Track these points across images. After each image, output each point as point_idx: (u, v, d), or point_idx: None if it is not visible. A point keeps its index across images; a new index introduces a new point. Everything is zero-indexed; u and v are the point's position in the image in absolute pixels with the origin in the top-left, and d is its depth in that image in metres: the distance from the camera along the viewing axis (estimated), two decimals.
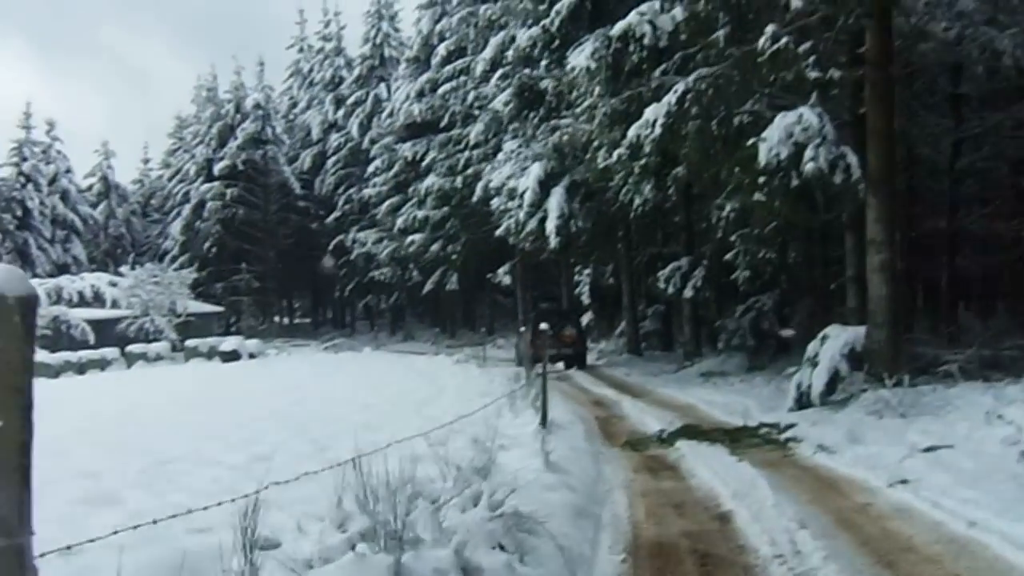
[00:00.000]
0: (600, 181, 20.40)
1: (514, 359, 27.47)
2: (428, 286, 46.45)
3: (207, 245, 57.16)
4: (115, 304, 50.15)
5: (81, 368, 44.02)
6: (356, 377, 25.92)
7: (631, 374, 24.36)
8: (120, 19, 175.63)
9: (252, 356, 45.60)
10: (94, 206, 66.46)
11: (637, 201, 20.62)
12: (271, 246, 59.27)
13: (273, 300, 60.31)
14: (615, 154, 15.56)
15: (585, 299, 33.38)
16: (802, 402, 12.81)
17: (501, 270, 38.78)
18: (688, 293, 22.92)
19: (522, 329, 22.81)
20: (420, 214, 42.24)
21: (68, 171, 63.36)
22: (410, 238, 43.90)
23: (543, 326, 13.71)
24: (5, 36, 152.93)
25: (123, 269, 51.51)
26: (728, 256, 19.92)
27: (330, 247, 54.35)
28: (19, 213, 57.72)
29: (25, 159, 59.45)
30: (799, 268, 19.41)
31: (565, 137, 22.68)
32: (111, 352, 45.76)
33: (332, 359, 40.17)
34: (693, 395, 17.55)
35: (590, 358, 30.25)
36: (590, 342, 33.69)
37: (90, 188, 67.53)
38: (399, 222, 45.13)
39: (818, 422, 11.34)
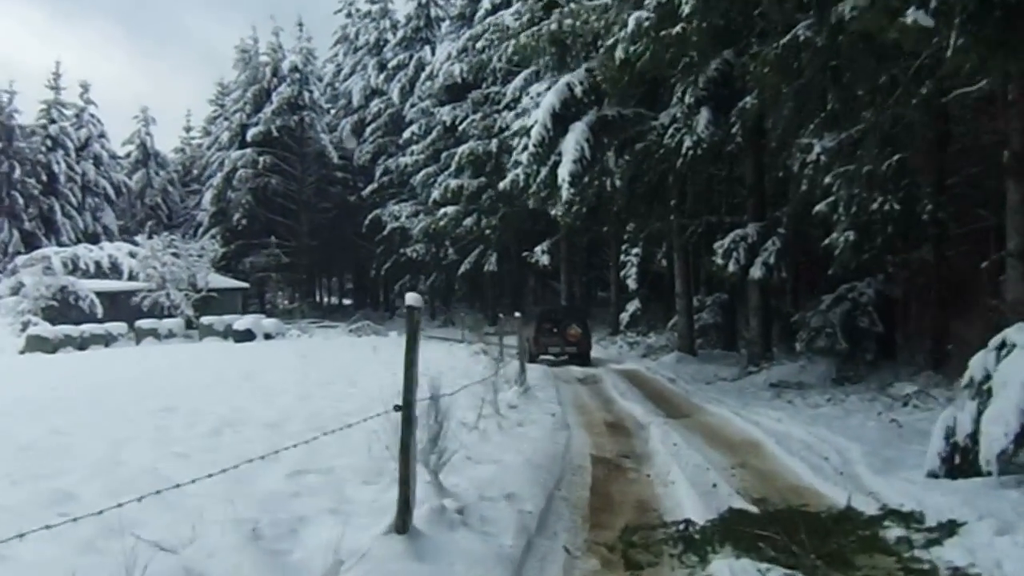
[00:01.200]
0: (619, 82, 14.46)
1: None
2: (464, 266, 40.91)
3: (237, 216, 52.38)
4: (133, 276, 45.69)
5: (83, 343, 39.56)
6: (326, 369, 20.91)
7: (677, 379, 18.58)
8: None
9: (268, 337, 40.71)
10: (131, 174, 62.41)
11: (687, 143, 14.72)
12: (306, 220, 54.29)
13: (302, 278, 55.27)
14: (634, 21, 9.70)
15: (632, 283, 27.56)
16: (956, 464, 6.93)
17: (539, 248, 33.11)
18: (756, 273, 16.82)
19: (517, 314, 20.36)
20: (454, 183, 36.68)
21: (102, 136, 59.23)
22: (443, 211, 38.38)
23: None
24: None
25: (139, 238, 46.93)
26: (816, 217, 13.49)
27: (365, 222, 49.11)
28: (44, 177, 53.60)
29: (53, 121, 55.33)
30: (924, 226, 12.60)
31: (567, 21, 16.52)
32: (118, 327, 41.25)
33: (341, 344, 34.97)
34: (758, 421, 11.75)
35: (632, 357, 24.77)
36: (636, 335, 28.16)
37: (128, 155, 63.48)
38: (434, 194, 39.64)
39: (1013, 525, 5.45)
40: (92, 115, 58.91)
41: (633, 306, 28.02)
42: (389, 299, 58.20)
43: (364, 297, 64.05)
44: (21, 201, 51.70)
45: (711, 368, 20.51)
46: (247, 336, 40.56)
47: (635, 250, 27.04)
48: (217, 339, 41.20)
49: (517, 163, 22.62)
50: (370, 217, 48.79)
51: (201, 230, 55.45)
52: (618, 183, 18.65)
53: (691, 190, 19.93)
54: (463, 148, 35.04)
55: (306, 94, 52.50)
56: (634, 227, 25.46)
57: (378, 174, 50.64)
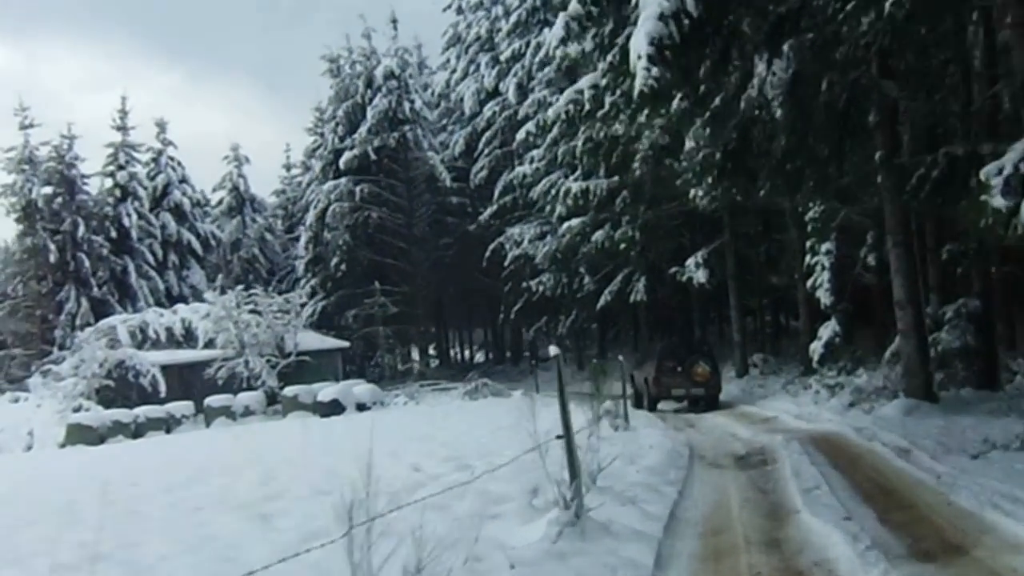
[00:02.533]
0: None
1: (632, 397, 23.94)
2: (605, 297, 34.76)
3: (334, 262, 48.08)
4: (210, 344, 41.87)
5: (138, 430, 35.75)
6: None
7: (913, 451, 11.79)
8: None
9: (362, 408, 35.72)
10: (223, 224, 59.55)
11: None
12: (420, 259, 49.39)
13: (419, 331, 50.10)
14: None
15: (825, 296, 20.77)
16: None
17: (692, 260, 26.76)
18: None
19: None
20: (575, 187, 30.63)
21: (184, 181, 56.59)
22: (566, 224, 32.50)
23: None
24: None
25: (208, 295, 43.11)
26: None
27: (486, 254, 43.75)
28: (113, 234, 51.07)
29: (122, 167, 52.97)
30: None
31: None
32: (183, 407, 37.34)
33: (444, 413, 29.46)
34: None
35: (834, 408, 18.59)
36: (837, 373, 21.54)
37: (219, 203, 60.77)
38: (557, 208, 33.82)
39: None
40: (171, 158, 56.46)
41: (828, 331, 21.11)
42: (520, 349, 52.70)
43: (502, 349, 58.72)
44: (87, 264, 49.17)
45: (967, 423, 13.57)
46: (334, 409, 35.77)
47: (825, 247, 20.31)
48: (305, 413, 36.61)
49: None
50: (491, 248, 43.40)
51: (300, 282, 51.72)
52: (770, 92, 12.11)
53: (907, 100, 12.87)
54: (580, 137, 29.03)
55: (406, 105, 47.75)
56: (822, 211, 18.89)
57: (497, 193, 45.30)
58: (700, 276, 26.64)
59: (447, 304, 58.67)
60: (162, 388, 38.73)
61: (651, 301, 35.13)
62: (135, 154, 54.39)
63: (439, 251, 52.70)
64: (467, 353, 69.02)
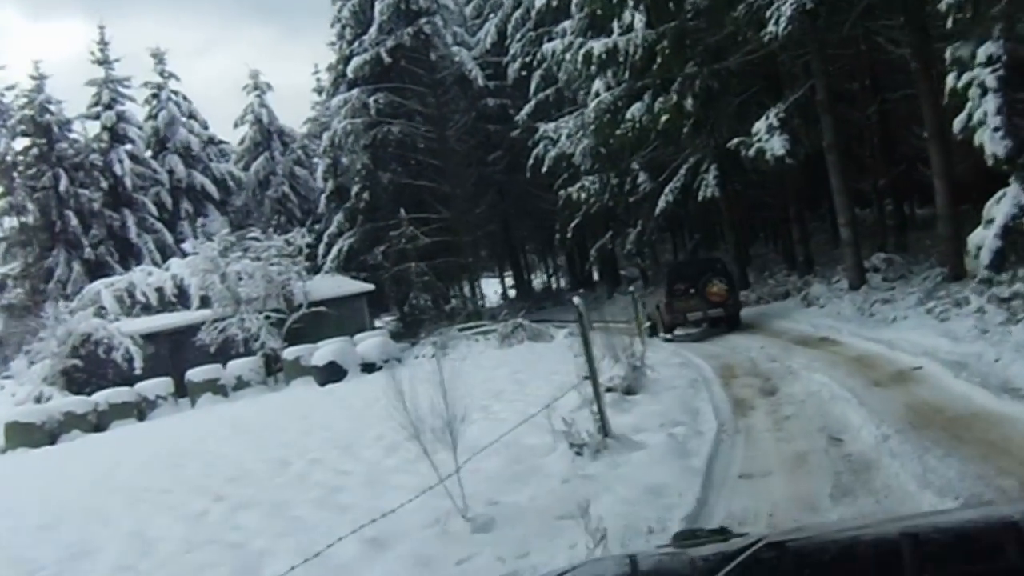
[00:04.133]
0: None
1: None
2: (665, 199, 26.10)
3: (354, 190, 40.26)
4: (205, 303, 34.68)
5: (100, 422, 28.98)
6: None
7: None
8: None
9: (369, 368, 28.12)
10: (249, 163, 52.24)
11: None
12: (460, 177, 41.09)
13: (466, 262, 41.75)
14: None
15: (993, 143, 11.93)
16: None
17: (760, 124, 18.14)
18: None
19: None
20: (599, 46, 21.75)
21: (191, 117, 49.28)
22: (593, 101, 23.85)
23: None
24: None
25: (187, 244, 35.91)
26: None
27: (529, 163, 35.25)
28: (104, 185, 44.15)
29: (108, 107, 45.83)
30: None
31: None
32: (160, 386, 30.37)
33: (459, 371, 21.44)
34: None
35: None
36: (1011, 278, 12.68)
37: (243, 141, 53.42)
38: (594, 87, 25.15)
39: None
40: (174, 92, 49.13)
41: (1007, 206, 12.17)
42: (586, 271, 44.39)
43: (575, 274, 50.27)
44: (75, 222, 42.36)
45: None
46: (332, 374, 28.18)
47: (986, 51, 11.43)
48: (311, 379, 29.25)
49: None
50: (534, 154, 34.85)
51: (324, 219, 44.22)
52: None
53: None
54: None
55: None
56: None
57: (533, 86, 36.67)
58: (776, 146, 17.84)
59: (515, 226, 50.31)
60: (137, 364, 31.74)
61: (728, 196, 26.39)
62: (123, 90, 47.25)
63: (486, 166, 44.38)
64: (554, 279, 60.81)
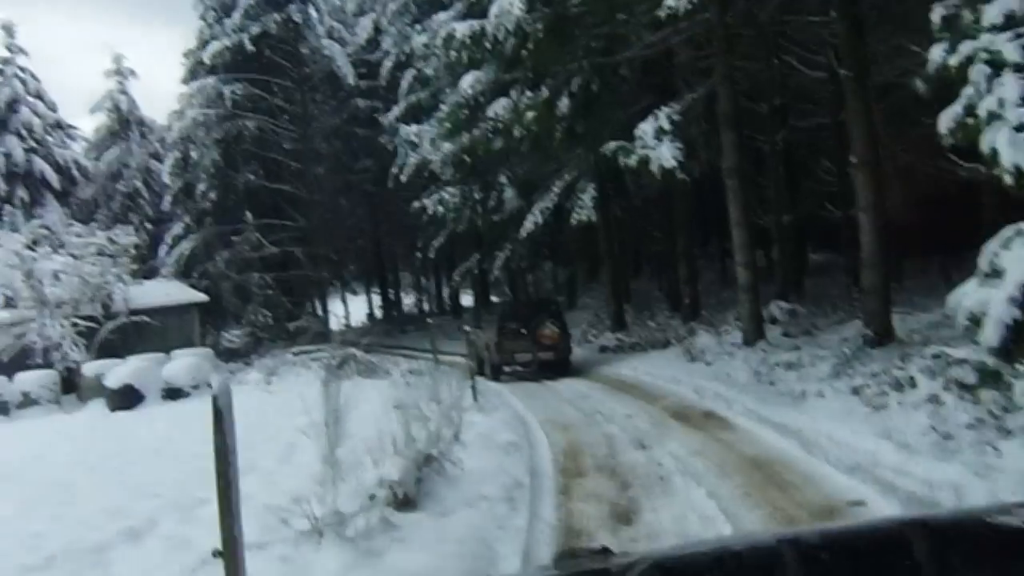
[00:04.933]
0: None
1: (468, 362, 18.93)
2: (533, 219, 21.42)
3: (200, 189, 34.72)
4: (11, 302, 28.69)
5: None
6: None
7: None
8: None
9: (174, 395, 22.81)
10: (102, 152, 45.98)
11: None
12: (322, 183, 35.82)
13: (322, 277, 36.37)
14: None
15: (1013, 153, 7.52)
16: None
17: (647, 127, 13.53)
18: None
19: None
20: (462, 29, 16.98)
21: (38, 97, 42.84)
22: (452, 95, 19.18)
23: None
24: None
25: None
26: None
27: (393, 170, 30.27)
28: None
29: None
30: None
31: None
32: None
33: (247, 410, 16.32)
34: None
35: None
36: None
37: (98, 129, 47.09)
38: (462, 84, 20.36)
39: None
40: (22, 68, 42.68)
41: None
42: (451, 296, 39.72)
43: (441, 297, 45.38)
44: None
45: None
46: (128, 399, 22.64)
47: (1002, 7, 7.04)
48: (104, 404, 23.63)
49: None
50: (396, 162, 29.82)
51: (171, 221, 38.44)
52: None
53: None
54: None
55: None
56: None
57: (405, 87, 31.74)
58: (665, 156, 13.20)
59: (386, 242, 45.04)
60: None
61: (607, 222, 21.86)
62: None
63: (354, 174, 39.17)
64: (425, 302, 55.55)
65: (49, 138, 42.78)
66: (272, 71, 35.14)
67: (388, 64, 33.88)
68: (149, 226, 43.58)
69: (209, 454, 3.97)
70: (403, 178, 28.05)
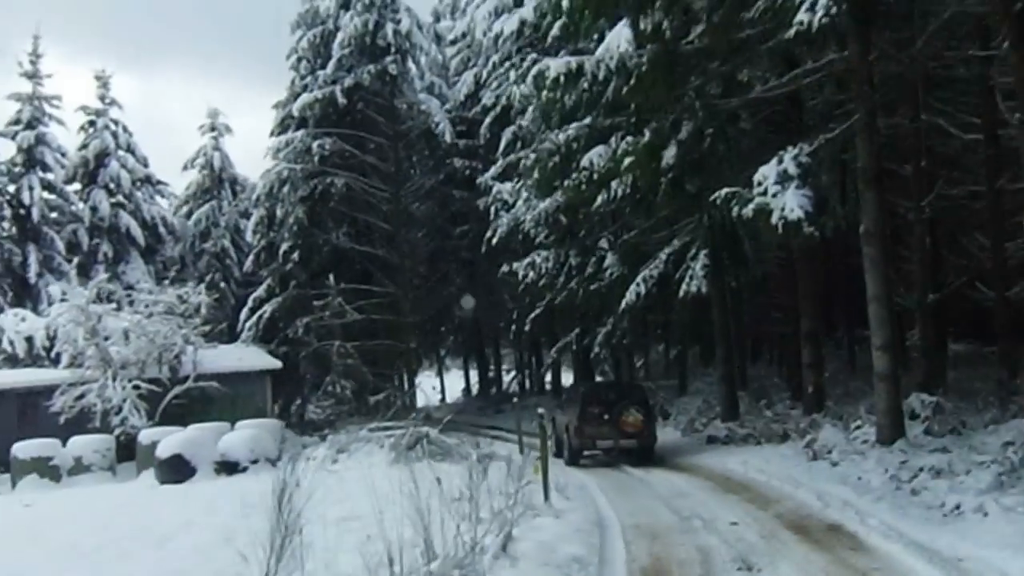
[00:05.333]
0: None
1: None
2: (635, 289, 19.59)
3: (283, 249, 33.96)
4: (78, 360, 28.13)
5: None
6: None
7: None
8: None
9: (230, 469, 21.60)
10: (193, 209, 46.01)
11: None
12: (408, 246, 34.76)
13: (407, 347, 35.01)
14: None
15: None
16: None
17: (769, 170, 11.71)
18: None
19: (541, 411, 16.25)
20: (556, 66, 15.51)
21: (129, 150, 43.12)
22: (547, 141, 17.69)
23: None
24: None
25: (53, 287, 29.58)
26: None
27: (488, 234, 28.94)
28: (6, 213, 37.89)
29: (30, 126, 39.77)
30: None
31: None
32: None
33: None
34: None
35: None
36: None
37: (188, 187, 47.21)
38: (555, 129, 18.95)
39: None
40: (114, 121, 43.09)
41: None
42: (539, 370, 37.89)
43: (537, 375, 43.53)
44: None
45: None
46: (177, 471, 21.47)
47: None
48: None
49: None
50: (492, 225, 28.50)
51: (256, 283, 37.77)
52: None
53: None
54: None
55: (389, 26, 33.39)
56: None
57: (503, 145, 30.49)
58: (791, 205, 11.34)
59: (486, 314, 43.67)
60: None
61: (721, 295, 19.97)
62: (50, 110, 41.12)
63: (449, 239, 38.04)
64: (528, 379, 53.78)
65: (138, 193, 43.02)
66: (365, 126, 34.41)
67: (487, 120, 32.81)
68: (235, 288, 43.28)
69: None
70: (495, 241, 26.70)
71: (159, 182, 45.19)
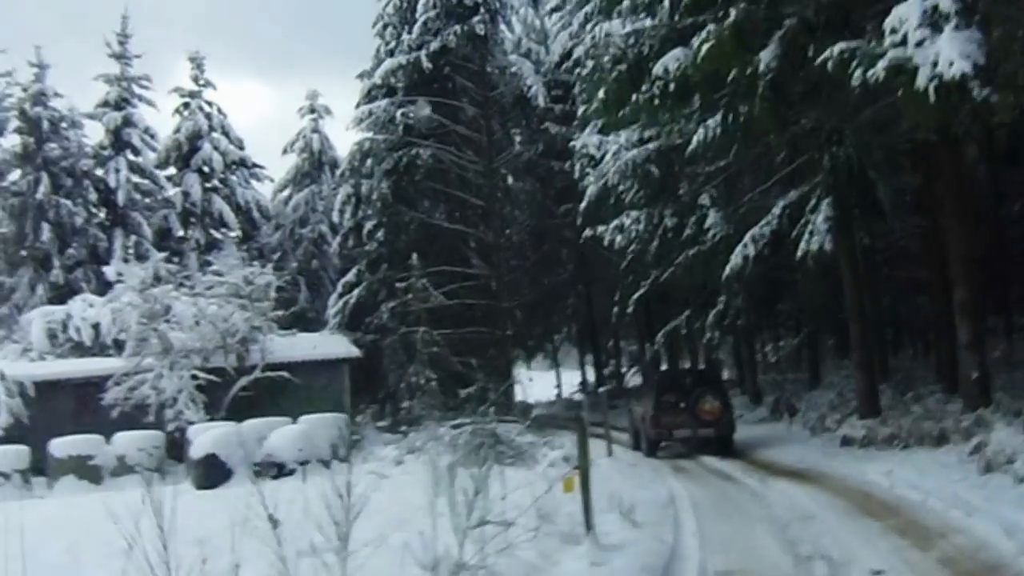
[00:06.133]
0: None
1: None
2: (742, 253, 15.32)
3: (367, 228, 30.67)
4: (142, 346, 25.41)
5: None
6: None
7: None
8: None
9: (278, 471, 18.39)
10: (291, 195, 43.35)
11: None
12: (503, 223, 31.05)
13: (503, 335, 31.14)
14: None
15: None
16: None
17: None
18: None
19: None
20: None
21: (224, 132, 40.51)
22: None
23: None
24: None
25: (111, 266, 26.98)
26: None
27: (582, 204, 24.98)
28: (93, 197, 35.67)
29: (118, 107, 37.56)
30: None
31: None
32: (10, 456, 21.13)
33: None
34: None
35: None
36: None
37: (291, 171, 44.61)
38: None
39: None
40: (208, 103, 40.64)
41: None
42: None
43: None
44: (50, 235, 33.77)
45: None
46: (211, 473, 18.28)
47: None
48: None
49: None
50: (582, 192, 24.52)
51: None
52: None
53: None
54: None
55: None
56: None
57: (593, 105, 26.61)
58: (948, 54, 6.95)
59: (600, 300, 39.62)
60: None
61: (853, 257, 15.61)
62: (139, 91, 38.72)
63: (553, 218, 34.09)
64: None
65: (232, 177, 40.44)
66: (454, 94, 30.87)
67: (580, 73, 28.79)
68: (333, 275, 40.37)
69: None
70: (583, 206, 22.73)
71: (255, 165, 42.33)
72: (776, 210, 15.42)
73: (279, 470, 18.46)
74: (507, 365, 30.91)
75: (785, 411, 22.93)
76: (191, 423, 22.79)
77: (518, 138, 33.24)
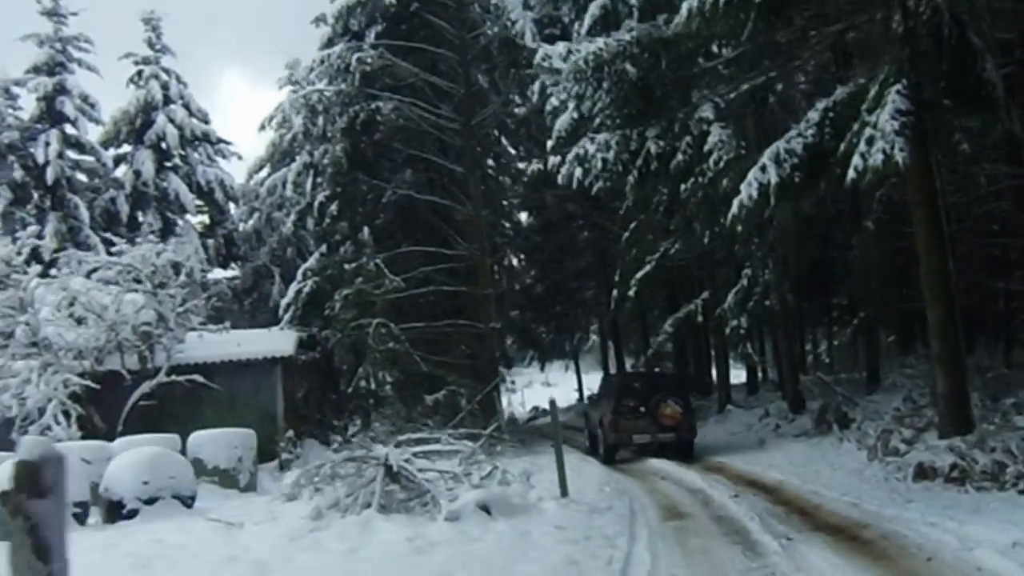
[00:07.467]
0: None
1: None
2: (755, 182, 9.85)
3: (319, 199, 25.40)
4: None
5: None
6: None
7: None
8: None
9: (116, 511, 13.12)
10: (266, 178, 38.23)
11: None
12: (477, 189, 25.57)
13: (473, 333, 25.51)
14: None
15: None
16: None
17: None
18: None
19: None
20: None
21: (183, 103, 35.20)
22: None
23: None
24: None
25: None
26: None
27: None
28: (16, 176, 30.64)
29: (52, 72, 32.36)
30: None
31: None
32: None
33: None
34: None
35: None
36: None
37: (267, 148, 39.59)
38: None
39: None
40: (165, 70, 35.47)
41: None
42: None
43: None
44: None
45: None
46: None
47: None
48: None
49: None
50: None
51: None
52: None
53: None
54: None
55: None
56: None
57: (587, 23, 20.86)
58: None
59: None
60: None
61: (932, 185, 10.08)
62: (77, 54, 33.57)
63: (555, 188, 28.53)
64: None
65: (195, 154, 35.30)
66: (422, 34, 25.45)
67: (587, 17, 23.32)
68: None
69: None
70: (549, 146, 17.22)
71: (220, 140, 37.08)
72: (813, 115, 9.82)
73: (117, 511, 13.23)
74: (493, 365, 25.31)
75: (834, 422, 17.33)
76: (59, 442, 17.79)
77: (516, 96, 27.49)
